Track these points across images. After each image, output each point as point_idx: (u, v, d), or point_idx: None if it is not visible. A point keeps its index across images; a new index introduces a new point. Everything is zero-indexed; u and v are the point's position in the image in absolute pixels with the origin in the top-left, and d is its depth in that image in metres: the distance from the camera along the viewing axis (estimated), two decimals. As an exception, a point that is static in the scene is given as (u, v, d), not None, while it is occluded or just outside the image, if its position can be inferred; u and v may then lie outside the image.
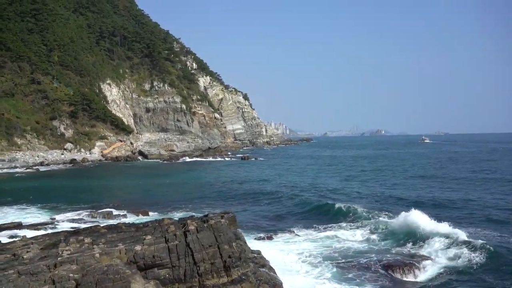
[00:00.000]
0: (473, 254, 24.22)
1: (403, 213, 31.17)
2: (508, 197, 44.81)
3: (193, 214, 32.29)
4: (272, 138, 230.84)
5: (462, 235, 26.78)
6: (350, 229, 32.15)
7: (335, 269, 23.42)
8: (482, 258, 23.84)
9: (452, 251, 25.10)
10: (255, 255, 24.59)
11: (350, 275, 22.65)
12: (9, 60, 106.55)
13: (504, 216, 34.87)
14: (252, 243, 25.91)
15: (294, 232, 31.61)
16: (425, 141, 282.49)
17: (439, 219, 30.18)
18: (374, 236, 29.74)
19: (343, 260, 24.89)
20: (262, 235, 30.59)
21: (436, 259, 24.46)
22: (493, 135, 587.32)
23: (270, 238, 30.20)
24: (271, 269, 23.18)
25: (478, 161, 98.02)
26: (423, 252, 25.75)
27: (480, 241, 25.50)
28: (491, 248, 24.66)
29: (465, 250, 24.81)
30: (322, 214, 37.91)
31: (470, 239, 26.09)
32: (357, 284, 21.57)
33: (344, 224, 33.56)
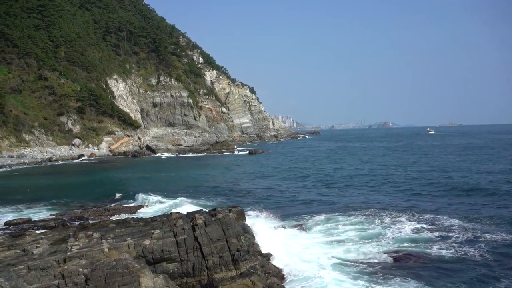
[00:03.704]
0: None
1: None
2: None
3: (201, 208, 32.32)
4: (279, 132, 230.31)
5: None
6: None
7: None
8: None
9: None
10: (264, 248, 24.62)
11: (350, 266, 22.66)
12: (16, 56, 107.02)
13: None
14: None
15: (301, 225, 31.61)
16: (430, 132, 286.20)
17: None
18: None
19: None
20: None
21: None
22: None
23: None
24: (279, 261, 23.25)
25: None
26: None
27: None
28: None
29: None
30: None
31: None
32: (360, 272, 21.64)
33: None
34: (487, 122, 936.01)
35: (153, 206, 40.30)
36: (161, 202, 41.51)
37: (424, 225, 30.06)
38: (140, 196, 44.59)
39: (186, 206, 36.28)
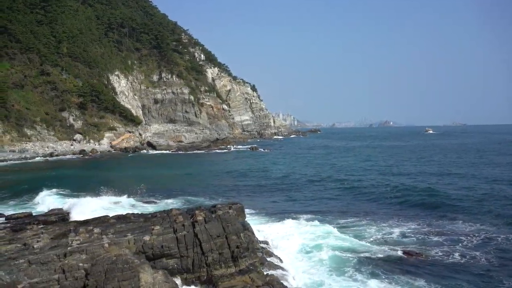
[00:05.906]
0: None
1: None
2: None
3: (201, 204, 32.41)
4: (280, 129, 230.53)
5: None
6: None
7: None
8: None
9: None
10: (263, 245, 24.72)
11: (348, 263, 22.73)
12: (18, 52, 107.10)
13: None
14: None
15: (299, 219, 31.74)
16: (429, 132, 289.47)
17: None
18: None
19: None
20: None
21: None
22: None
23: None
24: (278, 258, 23.28)
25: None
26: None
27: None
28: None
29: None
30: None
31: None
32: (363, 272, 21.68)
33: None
34: (493, 122, 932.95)
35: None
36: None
37: (425, 228, 30.18)
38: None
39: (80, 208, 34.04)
